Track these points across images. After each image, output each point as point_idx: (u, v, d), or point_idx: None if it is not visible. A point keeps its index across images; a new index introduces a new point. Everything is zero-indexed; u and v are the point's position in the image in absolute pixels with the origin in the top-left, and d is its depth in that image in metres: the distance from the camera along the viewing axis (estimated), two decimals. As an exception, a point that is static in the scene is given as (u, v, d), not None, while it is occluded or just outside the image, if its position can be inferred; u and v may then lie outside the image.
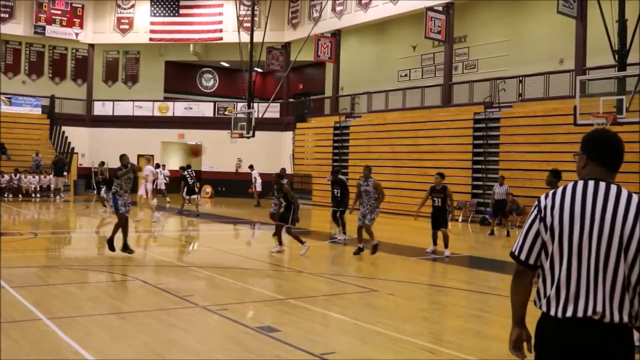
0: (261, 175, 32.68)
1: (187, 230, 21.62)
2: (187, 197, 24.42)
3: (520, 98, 26.57)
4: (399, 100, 32.41)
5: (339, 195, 18.34)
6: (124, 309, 8.84)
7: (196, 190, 25.17)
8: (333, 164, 33.45)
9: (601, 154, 3.31)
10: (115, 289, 10.91)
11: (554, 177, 10.98)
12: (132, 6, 41.57)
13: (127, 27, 41.66)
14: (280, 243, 14.54)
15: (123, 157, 13.88)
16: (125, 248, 13.15)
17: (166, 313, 8.66)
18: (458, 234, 22.02)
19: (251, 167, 32.57)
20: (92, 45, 42.23)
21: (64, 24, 40.64)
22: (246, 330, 7.83)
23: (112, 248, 13.17)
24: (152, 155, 39.42)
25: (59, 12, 40.42)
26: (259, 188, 31.70)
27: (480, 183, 26.10)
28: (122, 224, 13.26)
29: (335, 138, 34.36)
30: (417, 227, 22.75)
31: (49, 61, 42.01)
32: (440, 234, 14.99)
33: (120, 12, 41.70)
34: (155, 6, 41.03)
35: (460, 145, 27.06)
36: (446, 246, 14.78)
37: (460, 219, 25.72)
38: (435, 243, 15.24)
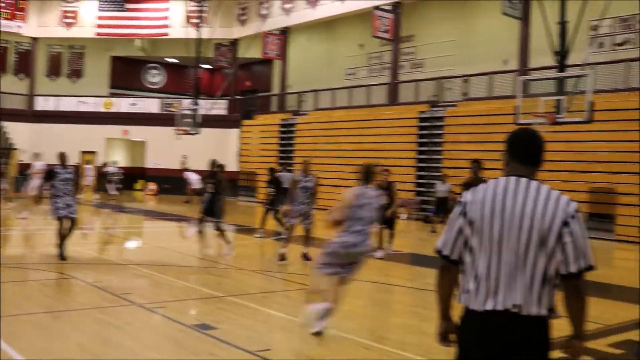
0: (206, 172, 32.27)
1: (129, 228, 21.34)
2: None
3: (464, 97, 26.88)
4: (345, 98, 32.52)
5: (274, 194, 18.22)
6: (59, 308, 8.65)
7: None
8: (279, 161, 33.45)
9: (520, 152, 3.38)
10: (50, 287, 10.69)
11: (476, 163, 11.01)
12: (78, 0, 40.91)
13: (72, 20, 40.97)
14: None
15: (62, 156, 12.99)
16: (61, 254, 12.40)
17: (101, 311, 8.52)
18: (401, 231, 22.13)
19: (186, 169, 32.27)
20: (35, 39, 41.41)
21: (7, 16, 39.64)
22: (183, 328, 7.74)
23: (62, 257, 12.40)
24: (96, 152, 38.99)
25: (2, 5, 39.32)
26: (194, 185, 31.27)
27: (424, 181, 26.35)
28: (59, 228, 12.48)
29: (282, 135, 34.33)
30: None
31: (-11, 55, 41.00)
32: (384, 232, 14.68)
33: (66, 6, 41.01)
34: (101, 0, 40.41)
35: (405, 143, 27.28)
36: (380, 245, 14.11)
37: (404, 216, 25.89)
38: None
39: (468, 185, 12.58)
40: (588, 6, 16.52)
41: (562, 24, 16.71)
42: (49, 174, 12.74)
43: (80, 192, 14.59)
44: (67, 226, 12.45)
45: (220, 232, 14.00)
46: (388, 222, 14.36)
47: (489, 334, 3.14)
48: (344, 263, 7.38)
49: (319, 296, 7.47)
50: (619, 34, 23.98)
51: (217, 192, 13.96)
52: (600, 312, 9.19)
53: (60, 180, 12.49)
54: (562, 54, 16.76)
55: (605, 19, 21.17)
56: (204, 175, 14.32)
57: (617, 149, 20.48)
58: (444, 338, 3.47)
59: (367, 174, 7.68)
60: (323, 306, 7.16)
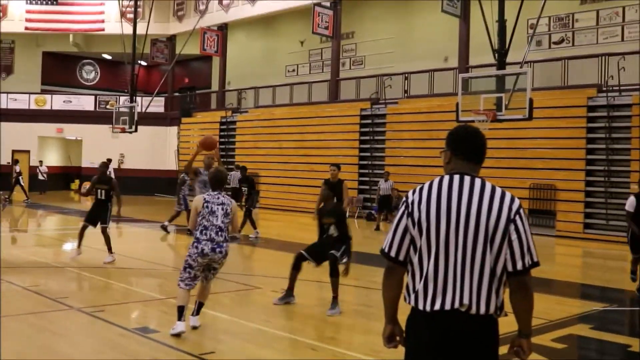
0: (144, 171, 32.20)
1: (66, 229, 20.95)
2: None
3: (405, 94, 27.11)
4: (286, 96, 32.51)
5: (246, 192, 18.27)
6: (-7, 314, 8.47)
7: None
8: (220, 158, 33.23)
9: (464, 148, 3.39)
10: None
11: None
12: (6, -7, 40.04)
13: (0, 14, 40.01)
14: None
15: None
16: None
17: (38, 317, 8.35)
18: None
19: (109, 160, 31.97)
20: (-40, 33, 40.37)
21: None
22: (123, 332, 7.65)
23: None
24: (29, 151, 38.18)
25: None
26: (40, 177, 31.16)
27: (367, 179, 26.52)
28: None
29: (222, 133, 34.10)
30: (304, 223, 22.88)
31: None
32: None
33: (-7, -1, 40.06)
34: (31, -7, 39.60)
35: (347, 141, 27.38)
36: None
37: (347, 214, 26.01)
38: None
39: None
40: (526, 5, 16.86)
41: (501, 22, 16.98)
42: None
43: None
44: None
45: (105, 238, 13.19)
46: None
47: (437, 334, 3.16)
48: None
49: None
50: (557, 32, 24.55)
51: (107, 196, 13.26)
52: (544, 307, 9.39)
53: None
54: (501, 52, 17.03)
55: (543, 17, 21.61)
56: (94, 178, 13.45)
57: (557, 145, 20.89)
58: (390, 340, 3.46)
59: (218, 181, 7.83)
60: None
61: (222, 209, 7.56)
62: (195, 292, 7.88)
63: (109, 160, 31.62)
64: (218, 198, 7.61)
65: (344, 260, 9.21)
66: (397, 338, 3.44)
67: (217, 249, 7.50)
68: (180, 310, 7.42)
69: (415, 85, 26.93)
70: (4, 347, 6.99)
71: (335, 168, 12.88)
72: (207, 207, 7.53)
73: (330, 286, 9.02)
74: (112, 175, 30.70)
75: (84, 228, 13.14)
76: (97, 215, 13.11)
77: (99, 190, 13.14)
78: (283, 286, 9.59)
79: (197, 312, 7.83)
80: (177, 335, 7.27)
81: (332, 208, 9.66)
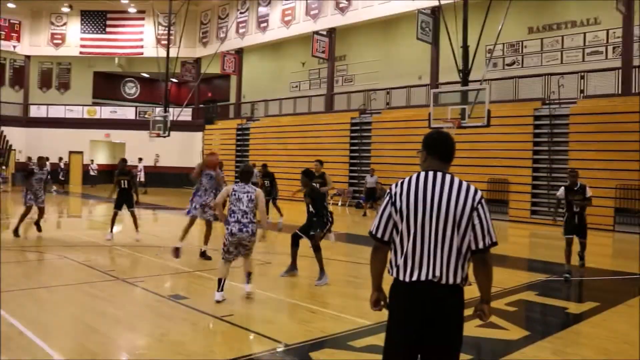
0: (175, 168, 32.20)
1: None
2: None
3: (387, 106, 27.09)
4: (290, 107, 32.49)
5: (269, 185, 18.31)
6: (53, 284, 8.44)
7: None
8: (236, 158, 33.29)
9: (437, 150, 3.40)
10: (45, 266, 10.44)
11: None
12: (65, 24, 39.96)
13: (59, 41, 39.96)
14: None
15: (40, 159, 13.69)
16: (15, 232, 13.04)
17: (90, 286, 8.36)
18: (338, 215, 22.26)
19: (140, 159, 32.14)
20: (28, 57, 40.25)
21: (3, 37, 38.57)
22: (159, 298, 7.66)
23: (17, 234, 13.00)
24: (82, 152, 38.23)
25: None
26: (142, 178, 30.81)
27: (356, 174, 26.53)
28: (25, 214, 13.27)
29: (238, 138, 34.14)
30: (303, 211, 22.88)
31: (-11, 70, 39.68)
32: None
33: (54, 29, 39.99)
34: (85, 24, 39.57)
35: (339, 143, 27.37)
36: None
37: (339, 204, 26.03)
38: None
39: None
40: (485, 33, 16.84)
41: (465, 47, 16.95)
42: (28, 173, 13.51)
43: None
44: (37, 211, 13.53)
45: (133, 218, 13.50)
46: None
47: (415, 300, 3.19)
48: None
49: None
50: (509, 56, 24.52)
51: (130, 185, 13.50)
52: (499, 278, 9.38)
53: (36, 179, 13.35)
54: (465, 71, 17.03)
55: (498, 44, 21.60)
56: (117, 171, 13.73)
57: (510, 147, 20.93)
58: (376, 304, 3.49)
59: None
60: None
61: (247, 196, 7.63)
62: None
63: (140, 159, 31.71)
64: (244, 188, 7.69)
65: (317, 231, 9.28)
66: (382, 303, 3.48)
67: (244, 229, 7.58)
68: (219, 281, 7.55)
69: (395, 98, 26.93)
70: (65, 310, 7.00)
71: (318, 163, 13.71)
72: (234, 195, 7.62)
73: (318, 260, 9.14)
74: (142, 172, 30.90)
75: (115, 214, 13.37)
76: (124, 201, 13.38)
77: (122, 181, 13.39)
78: (288, 262, 9.60)
79: (247, 281, 7.91)
80: (218, 302, 7.36)
81: (309, 191, 9.67)
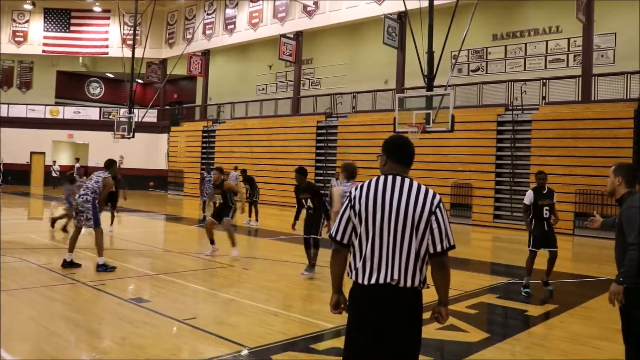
0: (141, 170, 31.89)
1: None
2: None
3: (354, 110, 27.19)
4: (257, 109, 32.40)
5: (249, 188, 18.91)
6: (11, 287, 8.27)
7: None
8: (201, 161, 33.08)
9: (397, 154, 3.42)
10: (4, 269, 10.21)
11: (301, 174, 10.70)
12: (27, 21, 39.32)
13: (21, 39, 39.30)
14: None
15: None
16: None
17: (49, 289, 8.22)
18: (303, 218, 22.21)
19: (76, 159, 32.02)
20: (-13, 55, 39.49)
21: (-38, 34, 37.90)
22: (120, 302, 7.58)
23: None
24: (44, 153, 37.58)
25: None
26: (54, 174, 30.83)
27: (322, 177, 26.55)
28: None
29: (204, 140, 33.91)
30: (271, 214, 22.84)
31: (-54, 67, 38.77)
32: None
33: (16, 26, 39.31)
34: (48, 22, 38.98)
35: (306, 147, 27.39)
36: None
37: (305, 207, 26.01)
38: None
39: (297, 190, 11.66)
40: (450, 40, 16.99)
41: (430, 53, 17.08)
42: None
43: None
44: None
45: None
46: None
47: (373, 302, 3.20)
48: None
49: None
50: (474, 62, 24.86)
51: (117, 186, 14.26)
52: (461, 281, 9.56)
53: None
54: (430, 77, 17.15)
55: (463, 50, 21.90)
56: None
57: (473, 152, 21.19)
58: (336, 307, 3.51)
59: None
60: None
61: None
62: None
63: (77, 159, 31.63)
64: (350, 186, 7.87)
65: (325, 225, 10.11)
66: (342, 305, 3.49)
67: None
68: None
69: (361, 102, 27.06)
70: (23, 314, 6.87)
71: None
72: (344, 195, 7.83)
73: (312, 255, 9.88)
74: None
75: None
76: (110, 200, 14.58)
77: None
78: (252, 264, 9.58)
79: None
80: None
81: (306, 185, 10.12)
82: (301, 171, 10.59)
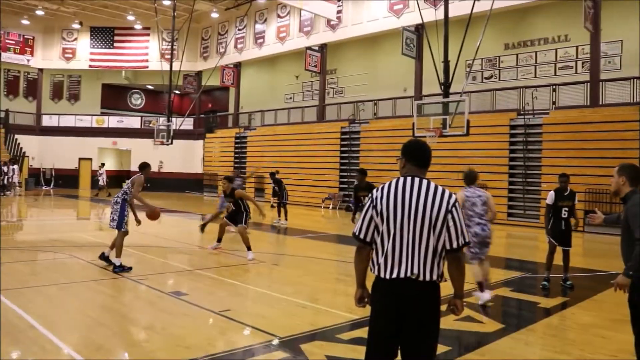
0: (177, 174, 32.31)
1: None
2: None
3: (375, 116, 27.14)
4: (285, 117, 32.49)
5: (277, 190, 19.01)
6: (62, 281, 8.42)
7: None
8: (234, 165, 33.28)
9: (415, 157, 3.44)
10: (55, 265, 10.39)
11: (361, 174, 11.06)
12: (75, 39, 39.95)
13: (70, 55, 39.94)
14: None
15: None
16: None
17: (96, 283, 8.34)
18: (329, 218, 22.30)
19: (102, 164, 32.55)
20: (41, 70, 40.19)
21: (17, 51, 38.68)
22: (161, 295, 7.65)
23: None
24: (91, 158, 38.10)
25: (13, 42, 38.57)
26: (102, 182, 31.03)
27: (346, 180, 26.55)
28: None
29: (236, 145, 34.11)
30: (299, 213, 22.89)
31: (4, 81, 39.43)
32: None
33: (65, 44, 39.98)
34: (94, 39, 39.54)
35: (330, 151, 27.40)
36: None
37: (330, 207, 26.04)
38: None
39: (357, 189, 11.84)
40: (464, 49, 16.89)
41: (446, 62, 17.00)
42: None
43: None
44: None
45: None
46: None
47: (394, 295, 3.22)
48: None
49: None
50: (487, 70, 24.64)
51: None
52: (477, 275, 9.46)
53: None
54: (446, 84, 17.06)
55: (477, 59, 21.74)
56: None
57: (487, 154, 21.01)
58: (360, 301, 3.51)
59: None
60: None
61: (480, 200, 7.81)
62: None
63: (102, 164, 32.03)
64: (475, 192, 7.87)
65: None
66: (366, 299, 3.49)
67: (485, 228, 7.73)
68: (480, 284, 7.61)
69: (382, 109, 26.99)
70: (72, 305, 6.98)
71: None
72: (468, 200, 7.77)
73: None
74: (104, 176, 30.99)
75: None
76: None
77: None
78: (282, 260, 9.59)
79: (481, 290, 7.65)
80: (483, 306, 7.37)
81: (366, 185, 10.41)
82: (362, 172, 11.05)
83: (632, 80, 18.98)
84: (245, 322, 6.40)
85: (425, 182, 3.33)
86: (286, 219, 18.19)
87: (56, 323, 6.14)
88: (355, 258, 3.49)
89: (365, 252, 3.43)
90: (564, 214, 9.08)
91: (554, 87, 20.98)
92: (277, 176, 19.87)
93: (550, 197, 9.17)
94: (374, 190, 3.43)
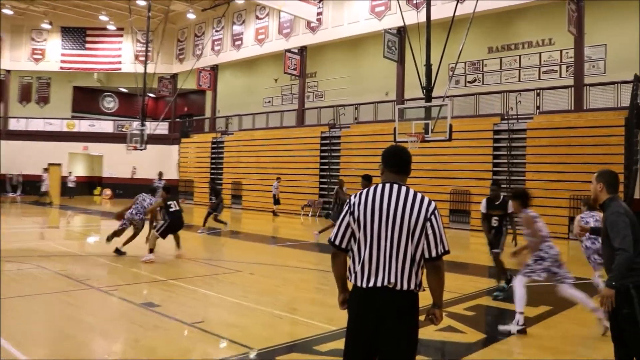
0: (152, 180, 31.92)
1: (89, 226, 20.66)
2: None
3: (356, 121, 27.21)
4: (263, 121, 32.47)
5: (215, 199, 18.02)
6: (28, 292, 8.29)
7: None
8: (211, 171, 33.14)
9: (392, 163, 3.47)
10: (21, 276, 10.23)
11: (366, 181, 11.38)
12: (45, 39, 39.46)
13: (40, 56, 39.47)
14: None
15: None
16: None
17: (65, 294, 8.24)
18: (308, 225, 22.28)
19: (44, 169, 32.31)
20: (8, 71, 39.57)
21: (-17, 52, 38.20)
22: (132, 306, 7.58)
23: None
24: (61, 164, 37.68)
25: (-22, 42, 37.96)
26: (44, 188, 30.89)
27: (325, 186, 26.55)
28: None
29: (213, 151, 33.96)
30: (277, 221, 22.85)
31: (-32, 83, 38.97)
32: None
33: (34, 44, 39.48)
34: (65, 40, 39.11)
35: (310, 157, 27.39)
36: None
37: (310, 214, 26.03)
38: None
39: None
40: (447, 52, 17.04)
41: (428, 66, 17.12)
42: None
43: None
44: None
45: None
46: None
47: (371, 304, 3.23)
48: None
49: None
50: (470, 74, 24.88)
51: None
52: (459, 284, 9.53)
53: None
54: (428, 88, 17.17)
55: (460, 62, 21.94)
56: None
57: (471, 160, 21.14)
58: (343, 304, 3.52)
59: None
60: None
61: (594, 219, 7.96)
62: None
63: (45, 169, 31.82)
64: (589, 213, 8.09)
65: None
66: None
67: (597, 241, 7.72)
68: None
69: (363, 113, 27.08)
70: (40, 318, 6.88)
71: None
72: (582, 220, 7.95)
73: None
74: (46, 182, 30.77)
75: None
76: None
77: None
78: (258, 269, 9.56)
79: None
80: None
81: None
82: (367, 178, 11.24)
83: (616, 84, 19.29)
84: (219, 333, 6.37)
85: (404, 189, 3.35)
86: (204, 226, 17.63)
87: (21, 336, 6.04)
88: (332, 264, 3.51)
89: (340, 258, 3.45)
90: (494, 223, 9.41)
91: (538, 91, 21.23)
92: (218, 187, 19.46)
93: (482, 205, 9.56)
94: (352, 196, 3.45)
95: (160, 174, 16.91)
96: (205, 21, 36.45)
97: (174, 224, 11.97)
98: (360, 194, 3.41)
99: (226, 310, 7.59)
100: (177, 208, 12.17)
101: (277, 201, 25.61)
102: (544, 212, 17.83)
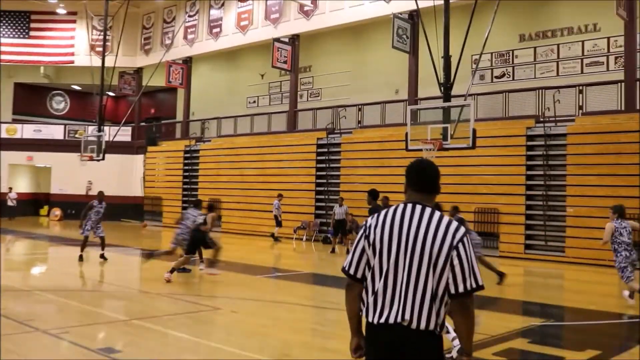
0: (111, 197, 31.84)
1: (34, 254, 20.57)
2: None
3: (359, 125, 27.26)
4: (247, 126, 32.52)
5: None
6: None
7: None
8: (183, 185, 33.13)
9: (415, 181, 3.51)
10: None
11: (372, 197, 11.81)
12: (-22, 26, 39.55)
13: (-28, 47, 39.54)
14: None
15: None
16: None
17: (4, 339, 8.14)
18: (302, 252, 22.23)
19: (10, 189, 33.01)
20: None
21: None
22: (86, 352, 7.51)
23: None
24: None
25: None
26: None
27: (323, 204, 26.53)
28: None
29: (186, 161, 33.97)
30: (263, 247, 22.80)
31: None
32: None
33: (-34, 32, 39.54)
34: (3, 26, 39.07)
35: (304, 168, 27.39)
36: None
37: (304, 238, 25.98)
38: None
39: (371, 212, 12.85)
40: (469, 42, 17.08)
41: (446, 57, 17.14)
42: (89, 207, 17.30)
43: None
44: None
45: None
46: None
47: (383, 345, 3.23)
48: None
49: None
50: (498, 67, 24.96)
51: None
52: (486, 323, 9.49)
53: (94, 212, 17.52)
54: (447, 85, 17.18)
55: (485, 53, 21.99)
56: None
57: (499, 172, 21.16)
58: (356, 350, 3.51)
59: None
60: None
61: (626, 230, 11.20)
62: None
63: (10, 189, 31.96)
64: (621, 223, 11.23)
65: None
66: (364, 349, 3.49)
67: (633, 252, 11.05)
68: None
69: (368, 116, 27.13)
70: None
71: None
72: (617, 230, 11.17)
73: None
74: (15, 201, 30.95)
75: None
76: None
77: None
78: (242, 306, 9.50)
79: None
80: None
81: (375, 207, 12.36)
82: (373, 194, 12.86)
83: (675, 80, 19.36)
84: (194, 386, 6.31)
85: (428, 210, 3.37)
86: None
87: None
88: (346, 297, 3.52)
89: (356, 290, 3.46)
90: None
91: (581, 87, 21.29)
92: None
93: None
94: (369, 218, 3.47)
95: (101, 194, 16.63)
96: (176, 4, 36.62)
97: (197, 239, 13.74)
98: (378, 215, 3.44)
99: (205, 357, 7.53)
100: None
101: (279, 223, 25.45)
102: (589, 234, 17.86)
